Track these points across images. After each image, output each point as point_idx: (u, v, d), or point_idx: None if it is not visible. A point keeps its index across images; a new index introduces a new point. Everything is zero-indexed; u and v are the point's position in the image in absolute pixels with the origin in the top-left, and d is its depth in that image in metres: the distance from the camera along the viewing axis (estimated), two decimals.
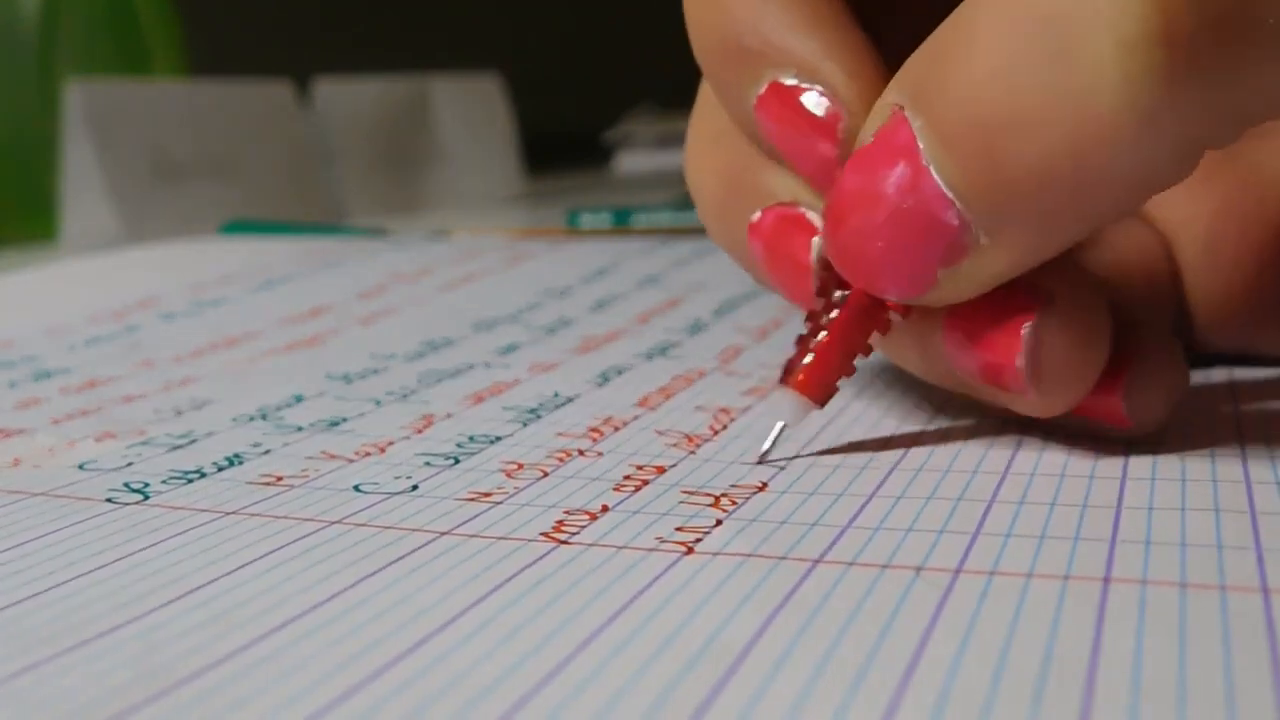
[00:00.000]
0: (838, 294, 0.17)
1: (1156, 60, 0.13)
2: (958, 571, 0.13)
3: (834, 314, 0.17)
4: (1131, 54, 0.13)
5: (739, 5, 0.17)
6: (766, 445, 0.17)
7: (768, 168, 0.18)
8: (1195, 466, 0.16)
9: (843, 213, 0.15)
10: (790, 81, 0.16)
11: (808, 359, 0.17)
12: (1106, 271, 0.19)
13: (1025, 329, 0.16)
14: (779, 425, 0.17)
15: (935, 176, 0.14)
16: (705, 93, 0.20)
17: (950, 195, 0.14)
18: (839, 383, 0.17)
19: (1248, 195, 0.20)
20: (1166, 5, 0.13)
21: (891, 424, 0.19)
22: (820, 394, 0.17)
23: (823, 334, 0.17)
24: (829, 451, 0.18)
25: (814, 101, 0.16)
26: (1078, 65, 0.13)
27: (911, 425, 0.19)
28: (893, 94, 0.15)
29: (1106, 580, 0.13)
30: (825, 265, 0.17)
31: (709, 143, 0.19)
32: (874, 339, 0.17)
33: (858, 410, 0.20)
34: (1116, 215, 0.15)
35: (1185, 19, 0.13)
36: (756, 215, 0.18)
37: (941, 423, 0.19)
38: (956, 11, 0.15)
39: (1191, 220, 0.20)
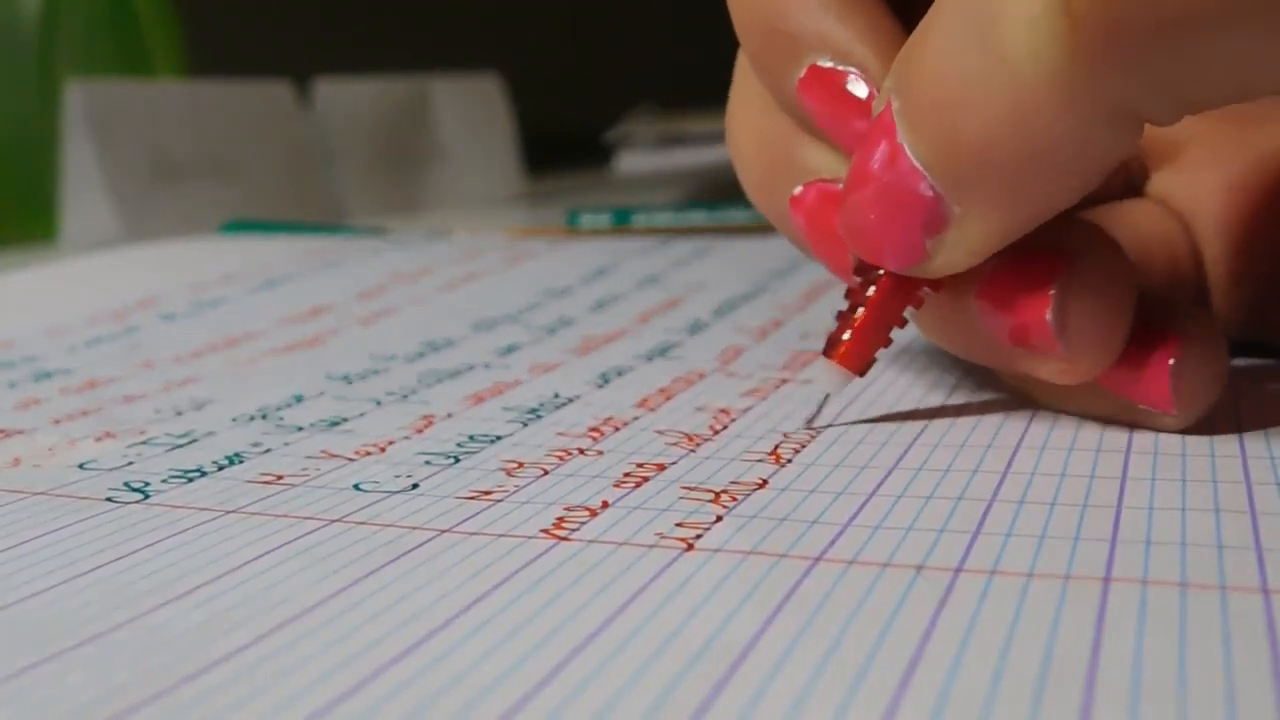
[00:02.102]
0: (873, 272, 0.18)
1: (1060, 33, 0.14)
2: (958, 571, 0.13)
3: (870, 290, 0.18)
4: (1037, 27, 0.14)
5: None
6: (813, 412, 0.19)
7: (809, 142, 0.19)
8: (1195, 466, 0.16)
9: (846, 189, 0.17)
10: (828, 64, 0.18)
11: (847, 334, 0.18)
12: (1129, 254, 0.19)
13: (1053, 286, 0.17)
14: (824, 395, 0.19)
15: (909, 153, 0.16)
16: (743, 67, 0.21)
17: (921, 169, 0.16)
18: (877, 354, 0.18)
19: (1258, 174, 0.21)
20: None
21: (891, 427, 0.19)
22: (859, 365, 0.18)
23: (860, 310, 0.18)
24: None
25: (852, 83, 0.17)
26: (999, 42, 0.14)
27: (915, 424, 0.19)
28: (888, 79, 0.16)
29: (1107, 580, 0.13)
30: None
31: (750, 109, 0.20)
32: (909, 312, 0.18)
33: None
34: (1076, 186, 0.16)
35: None
36: (799, 190, 0.19)
37: (942, 423, 0.19)
38: (933, 5, 0.16)
39: (1206, 201, 0.21)
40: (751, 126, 0.20)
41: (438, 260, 0.40)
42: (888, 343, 0.18)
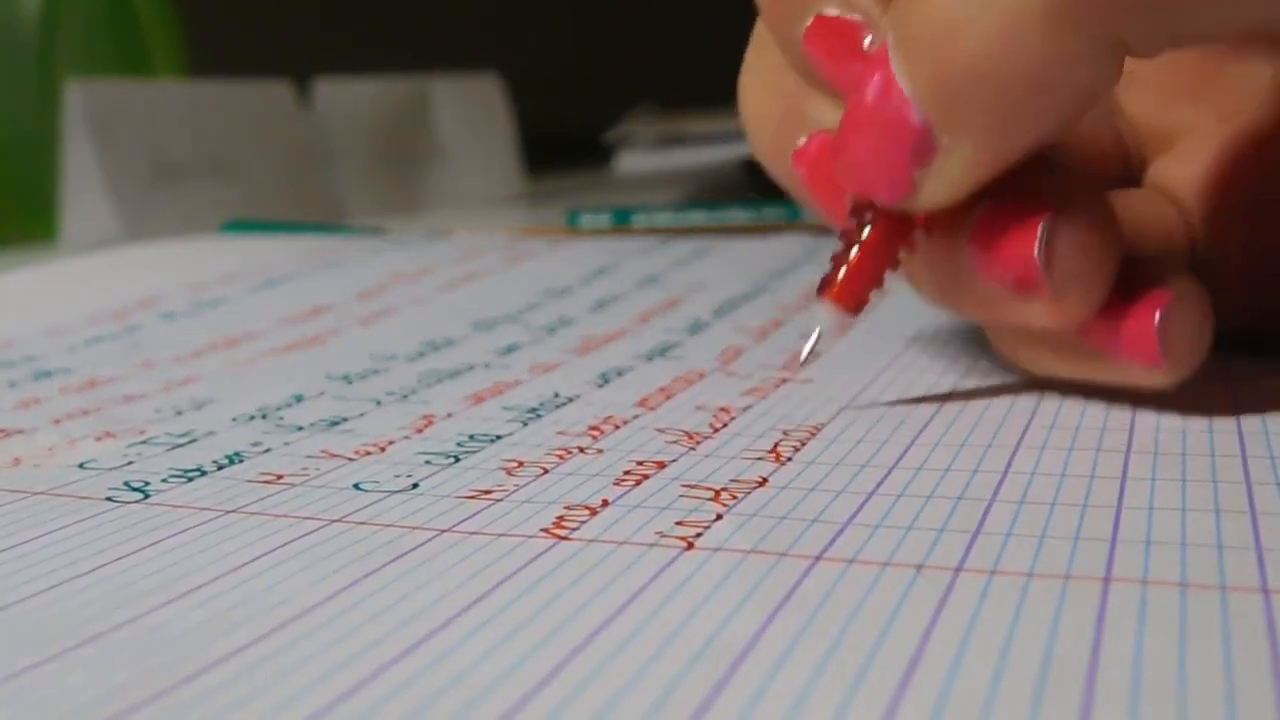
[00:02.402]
0: (868, 214, 0.18)
1: None
2: (958, 570, 0.13)
3: (865, 233, 0.18)
4: None
5: None
6: (805, 351, 0.19)
7: (815, 98, 0.20)
8: (1195, 466, 0.16)
9: (842, 127, 0.17)
10: (833, 12, 0.18)
11: (841, 273, 0.18)
12: (1125, 238, 0.20)
13: (1041, 224, 0.17)
14: (815, 332, 0.19)
15: (900, 83, 0.16)
16: (759, 31, 0.21)
17: (910, 97, 0.16)
18: (871, 295, 0.18)
19: (1251, 163, 0.21)
20: None
21: (894, 424, 0.19)
22: (853, 305, 0.18)
23: (855, 250, 0.18)
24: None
25: (855, 30, 0.18)
26: None
27: (915, 424, 0.19)
28: (885, 16, 0.17)
29: (1107, 580, 0.13)
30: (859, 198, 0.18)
31: (763, 76, 0.21)
32: (903, 260, 0.18)
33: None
34: (1059, 115, 0.16)
35: None
36: (801, 141, 0.20)
37: (942, 422, 0.19)
38: None
39: (1197, 185, 0.21)
40: (763, 88, 0.21)
41: (438, 260, 0.40)
42: (881, 284, 0.18)
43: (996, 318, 0.19)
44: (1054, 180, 0.18)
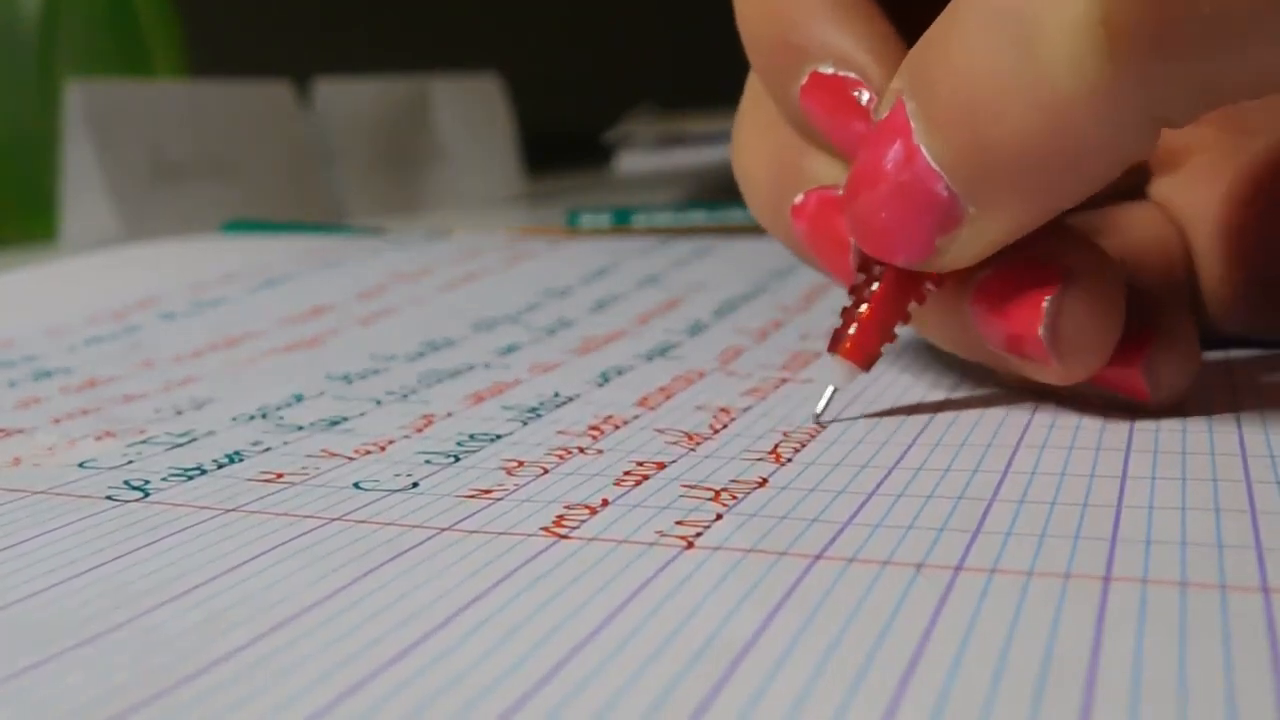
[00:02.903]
0: (877, 269, 0.18)
1: (1100, 42, 0.14)
2: (958, 569, 0.13)
3: (874, 287, 0.18)
4: (1078, 37, 0.14)
5: (785, 7, 0.19)
6: (820, 407, 0.19)
7: (811, 153, 0.20)
8: (1195, 465, 0.16)
9: (855, 188, 0.17)
10: (829, 70, 0.18)
11: (853, 329, 0.18)
12: (1125, 255, 0.20)
13: (1046, 302, 0.17)
14: (830, 389, 0.19)
15: (925, 154, 0.16)
16: (752, 86, 0.21)
17: (939, 170, 0.16)
18: (882, 349, 0.19)
19: (1252, 187, 0.21)
20: None
21: (893, 424, 0.19)
22: (865, 360, 0.18)
23: (864, 306, 0.18)
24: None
25: (851, 87, 0.18)
26: (1036, 52, 0.15)
27: (915, 424, 0.19)
28: (896, 81, 0.17)
29: (1107, 579, 0.13)
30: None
31: (757, 132, 0.21)
32: (911, 311, 0.18)
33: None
34: (1091, 186, 0.16)
35: (1125, 3, 0.14)
36: (800, 198, 0.20)
37: (942, 422, 0.19)
38: (947, 7, 0.16)
39: (1204, 209, 0.22)
40: (758, 145, 0.21)
41: (438, 260, 0.40)
42: (892, 338, 0.18)
43: (999, 368, 0.19)
44: (1063, 248, 0.18)
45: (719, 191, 0.63)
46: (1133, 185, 0.23)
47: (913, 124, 0.16)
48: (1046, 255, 0.17)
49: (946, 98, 0.16)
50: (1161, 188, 0.23)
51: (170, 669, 0.12)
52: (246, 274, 0.38)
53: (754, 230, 0.43)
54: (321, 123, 0.61)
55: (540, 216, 0.59)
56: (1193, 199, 0.22)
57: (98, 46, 0.56)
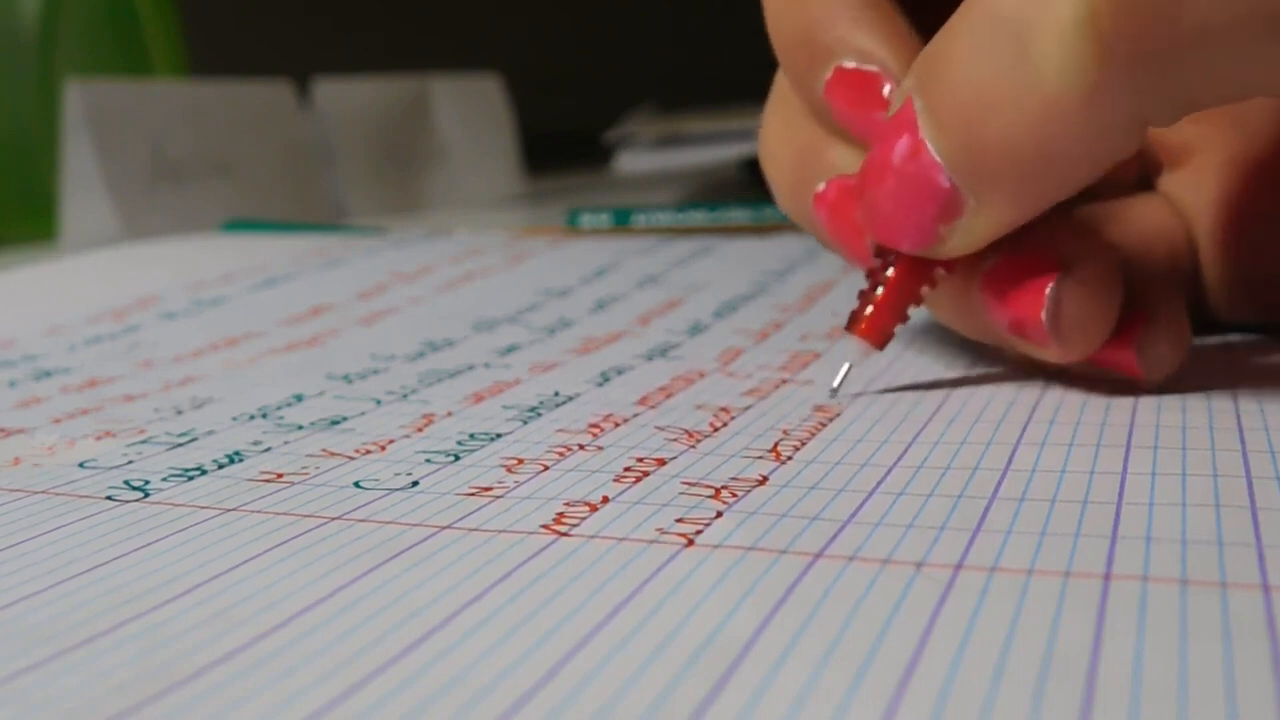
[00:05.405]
0: (891, 254, 0.19)
1: (1088, 47, 0.15)
2: (958, 568, 0.13)
3: (889, 271, 0.19)
4: (1068, 42, 0.16)
5: (811, 7, 0.20)
6: (835, 383, 0.20)
7: (834, 144, 0.21)
8: (1196, 462, 0.16)
9: (866, 178, 0.18)
10: (851, 65, 0.19)
11: (868, 310, 0.19)
12: (1131, 244, 0.22)
13: (1048, 289, 0.18)
14: (846, 365, 0.20)
15: (930, 148, 0.17)
16: (779, 84, 0.23)
17: (941, 163, 0.17)
18: (895, 329, 0.20)
19: (1256, 183, 0.22)
20: (1096, 2, 0.15)
21: (895, 421, 0.19)
22: (879, 338, 0.20)
23: (880, 289, 0.19)
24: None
25: (873, 80, 0.19)
26: (1029, 55, 0.16)
27: (915, 422, 0.19)
28: (907, 80, 0.18)
29: (1107, 577, 0.13)
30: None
31: (783, 125, 0.22)
32: (925, 296, 0.19)
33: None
34: (1081, 181, 0.17)
35: (1112, 12, 0.15)
36: (822, 186, 0.21)
37: (943, 421, 0.19)
38: (956, 12, 0.17)
39: (1206, 204, 0.23)
40: (784, 136, 0.22)
41: (438, 260, 0.40)
42: (905, 319, 0.20)
43: (1004, 348, 0.21)
44: (1063, 238, 0.19)
45: (719, 191, 0.63)
46: (1141, 180, 0.24)
47: (919, 120, 0.17)
48: (1048, 245, 0.19)
49: (949, 96, 0.17)
50: (1168, 183, 0.24)
51: (170, 669, 0.12)
52: (246, 273, 0.38)
53: (754, 230, 0.43)
54: (321, 123, 0.61)
55: (540, 216, 0.59)
56: (1197, 193, 0.23)
57: (98, 46, 0.56)
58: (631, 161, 0.70)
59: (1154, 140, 0.24)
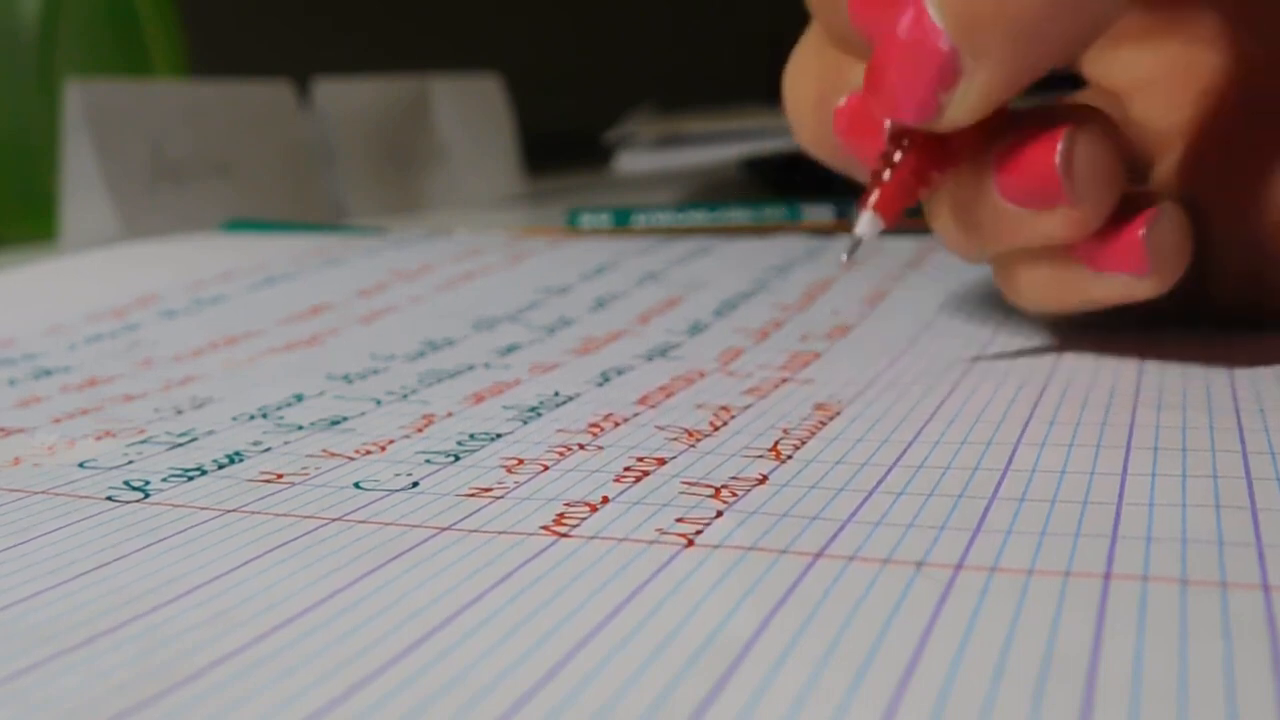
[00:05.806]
0: (905, 140, 0.20)
1: None
2: (958, 568, 0.13)
3: (899, 156, 0.20)
4: None
5: None
6: (844, 257, 0.21)
7: (854, 65, 0.22)
8: (1196, 462, 0.16)
9: (874, 56, 0.19)
10: None
11: (880, 188, 0.20)
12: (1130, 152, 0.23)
13: (1061, 136, 0.19)
14: (855, 235, 0.21)
15: (931, 11, 0.18)
16: (805, 38, 0.24)
17: (940, 25, 0.18)
18: (904, 209, 0.21)
19: (1250, 165, 0.23)
20: None
21: (894, 422, 0.19)
22: (889, 214, 0.20)
23: (889, 170, 0.20)
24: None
25: None
26: None
27: (915, 422, 0.19)
28: None
29: (1107, 577, 0.13)
30: (895, 126, 0.21)
31: (808, 56, 0.24)
32: (927, 207, 0.21)
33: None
34: (1071, 43, 0.19)
35: None
36: (841, 101, 0.22)
37: (943, 420, 0.19)
38: None
39: (1208, 182, 0.23)
40: (807, 66, 0.24)
41: (438, 259, 0.40)
42: (914, 201, 0.21)
43: (1013, 238, 0.21)
44: (1068, 106, 0.20)
45: (719, 191, 0.63)
46: (1135, 177, 0.24)
47: None
48: (1054, 119, 0.20)
49: None
50: (1162, 171, 0.24)
51: (170, 669, 0.12)
52: (246, 272, 0.38)
53: (754, 230, 0.43)
54: (321, 123, 0.61)
55: (540, 216, 0.59)
56: (1194, 175, 0.24)
57: (98, 46, 0.56)
58: (631, 161, 0.70)
59: (1144, 134, 0.25)
